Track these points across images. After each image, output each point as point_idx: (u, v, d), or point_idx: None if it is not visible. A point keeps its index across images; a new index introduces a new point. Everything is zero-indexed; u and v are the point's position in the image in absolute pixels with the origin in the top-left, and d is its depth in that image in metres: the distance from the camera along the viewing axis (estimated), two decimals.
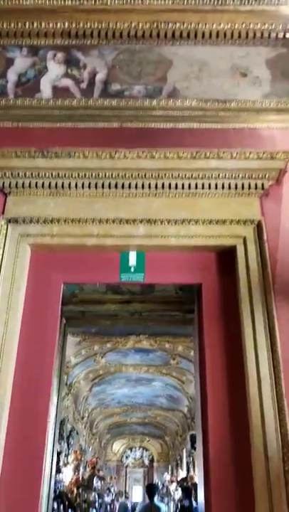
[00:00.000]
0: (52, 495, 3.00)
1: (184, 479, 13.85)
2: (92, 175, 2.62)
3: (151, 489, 5.37)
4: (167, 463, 26.66)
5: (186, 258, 2.60)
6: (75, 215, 2.56)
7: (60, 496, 6.70)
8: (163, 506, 5.36)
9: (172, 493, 17.65)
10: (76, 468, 14.03)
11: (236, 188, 2.64)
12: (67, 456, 14.53)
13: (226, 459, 2.18)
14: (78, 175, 2.62)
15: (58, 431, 3.16)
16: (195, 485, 7.54)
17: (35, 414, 2.32)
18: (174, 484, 16.01)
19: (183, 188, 2.63)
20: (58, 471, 7.40)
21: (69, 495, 12.42)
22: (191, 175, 2.63)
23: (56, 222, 2.55)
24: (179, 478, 15.13)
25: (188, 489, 5.42)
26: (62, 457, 13.38)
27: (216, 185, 2.63)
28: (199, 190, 2.63)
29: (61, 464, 7.68)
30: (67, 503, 7.15)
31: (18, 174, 2.62)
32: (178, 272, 2.58)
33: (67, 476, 13.39)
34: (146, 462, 27.99)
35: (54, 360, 2.47)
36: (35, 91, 3.00)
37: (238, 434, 2.22)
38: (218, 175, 2.64)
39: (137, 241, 2.55)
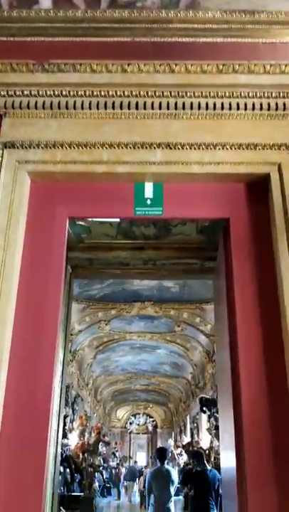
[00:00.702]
0: (59, 458, 2.74)
1: (190, 444, 13.87)
2: (101, 92, 2.23)
3: (162, 453, 5.15)
4: (171, 429, 27.04)
5: (211, 189, 2.24)
6: (81, 139, 2.19)
7: (66, 460, 6.56)
8: (173, 470, 5.17)
9: (177, 458, 17.84)
10: (82, 434, 14.06)
11: (269, 108, 2.25)
12: (72, 421, 14.60)
13: (261, 414, 1.88)
14: (85, 92, 2.23)
15: (64, 391, 2.88)
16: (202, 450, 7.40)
17: (40, 368, 2.01)
18: (180, 449, 16.10)
19: (207, 108, 2.25)
20: (64, 435, 7.23)
21: (75, 459, 12.48)
22: (217, 93, 2.24)
23: (59, 146, 2.18)
24: (184, 443, 15.14)
25: (198, 453, 5.20)
26: (67, 422, 13.42)
27: (246, 105, 2.25)
28: (226, 111, 2.25)
29: (67, 428, 7.52)
30: (73, 466, 7.01)
31: (15, 92, 2.24)
32: (202, 205, 2.22)
33: (73, 440, 13.45)
34: (150, 428, 28.41)
35: (60, 306, 2.15)
36: (32, 2, 2.58)
37: (274, 386, 1.91)
38: (248, 93, 2.25)
39: (153, 168, 2.18)
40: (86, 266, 2.98)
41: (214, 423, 6.56)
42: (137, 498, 15.96)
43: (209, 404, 6.52)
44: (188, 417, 20.51)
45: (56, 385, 2.67)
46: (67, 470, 6.78)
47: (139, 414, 28.53)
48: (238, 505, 1.83)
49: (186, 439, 16.76)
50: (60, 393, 2.75)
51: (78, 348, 15.68)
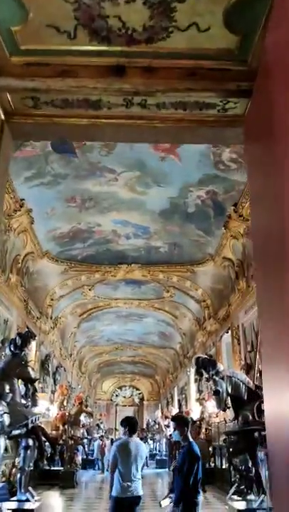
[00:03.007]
0: None
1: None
2: None
3: (129, 422, 4.10)
4: (158, 401, 26.51)
5: None
6: None
7: (33, 432, 5.47)
8: (142, 444, 4.19)
9: (164, 430, 17.14)
10: (62, 404, 13.03)
11: None
12: (53, 392, 13.54)
13: None
14: None
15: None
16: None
17: None
18: (168, 420, 15.31)
19: None
20: (34, 404, 6.11)
21: (52, 430, 11.47)
22: None
23: None
24: (173, 414, 14.33)
25: (181, 419, 4.12)
26: (48, 392, 12.40)
27: None
28: None
29: (38, 395, 6.43)
30: (44, 439, 5.94)
31: None
32: None
33: (53, 411, 12.40)
34: (137, 401, 27.98)
35: None
36: None
37: None
38: None
39: None
40: (28, 110, 1.72)
41: (212, 387, 5.51)
42: None
43: (207, 365, 5.47)
44: (175, 389, 19.86)
45: None
46: (37, 443, 5.71)
47: (125, 386, 28.21)
48: None
49: (174, 410, 15.97)
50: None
51: (60, 315, 14.48)
